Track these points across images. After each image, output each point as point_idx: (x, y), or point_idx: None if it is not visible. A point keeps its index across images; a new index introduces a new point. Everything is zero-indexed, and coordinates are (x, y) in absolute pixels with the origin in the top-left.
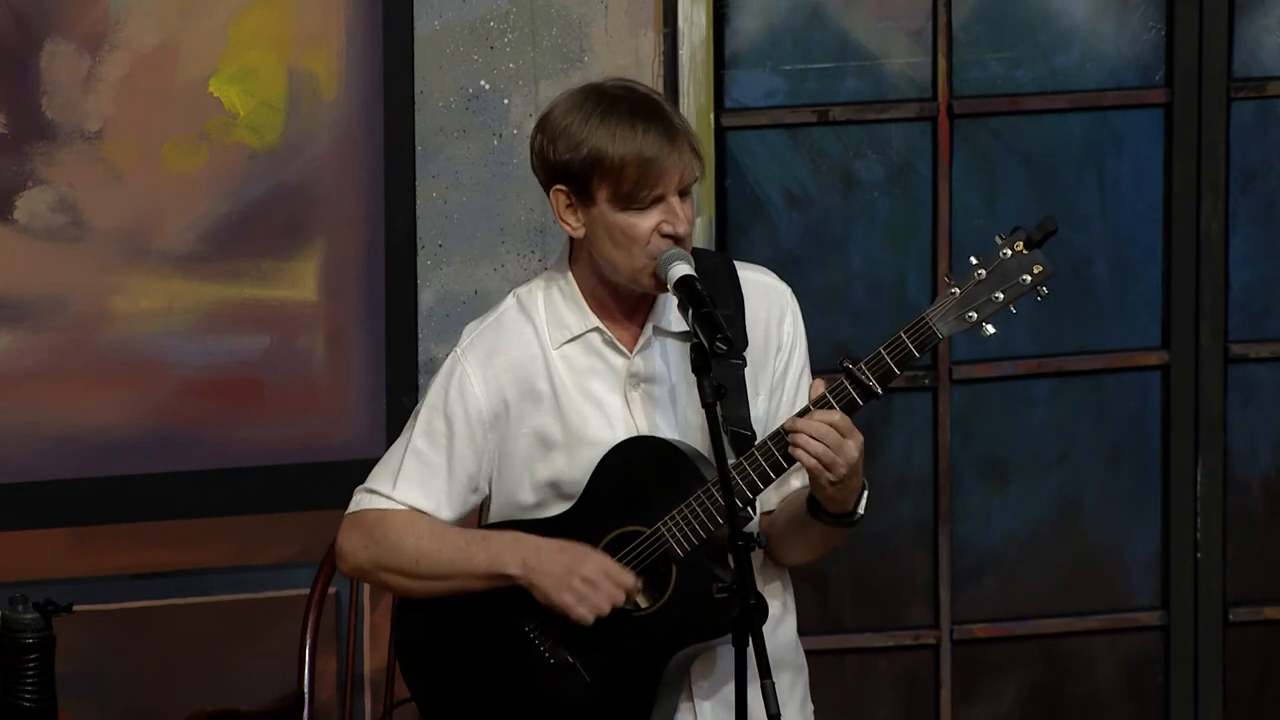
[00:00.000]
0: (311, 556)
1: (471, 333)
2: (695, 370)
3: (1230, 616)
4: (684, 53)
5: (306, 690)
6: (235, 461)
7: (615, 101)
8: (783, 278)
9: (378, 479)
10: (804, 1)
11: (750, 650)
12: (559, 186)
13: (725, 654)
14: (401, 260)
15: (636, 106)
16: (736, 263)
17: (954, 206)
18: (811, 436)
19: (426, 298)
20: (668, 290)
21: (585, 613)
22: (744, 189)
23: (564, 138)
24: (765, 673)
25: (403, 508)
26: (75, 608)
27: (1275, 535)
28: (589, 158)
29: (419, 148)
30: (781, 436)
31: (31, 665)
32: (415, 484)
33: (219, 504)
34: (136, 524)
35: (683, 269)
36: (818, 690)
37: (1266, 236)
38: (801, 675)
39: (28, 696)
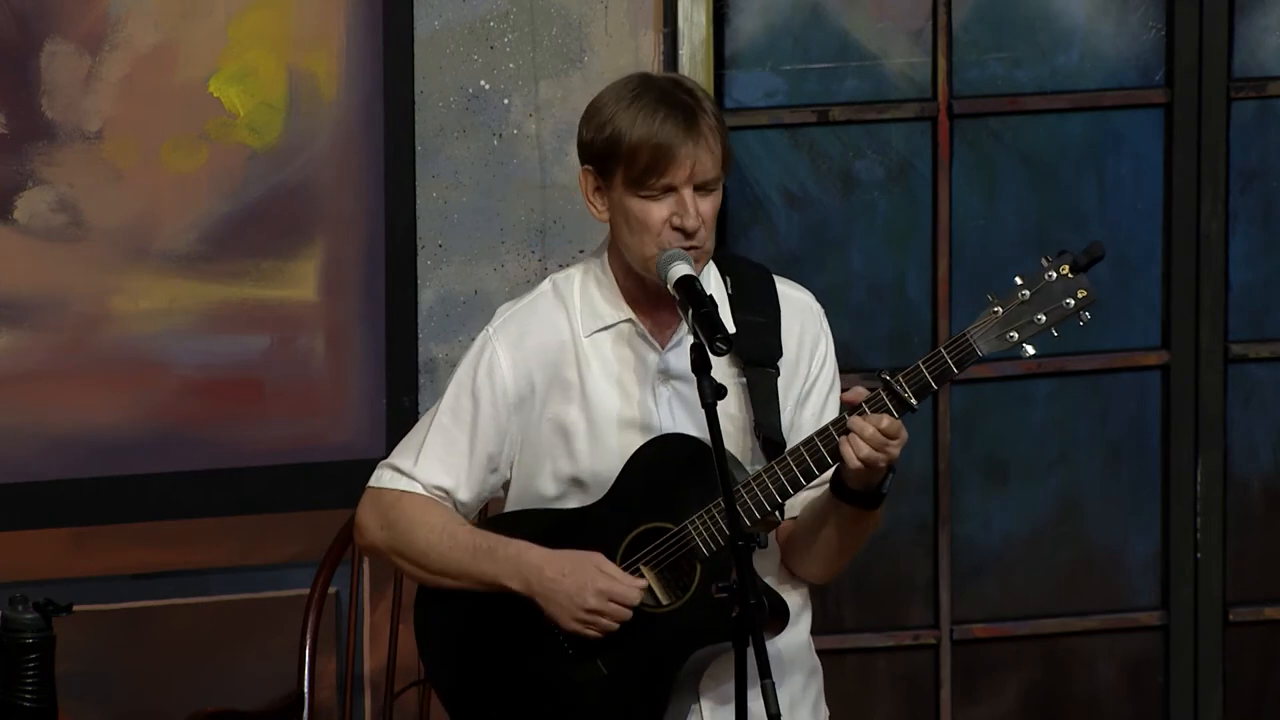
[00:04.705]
0: (311, 556)
1: (504, 313)
2: (695, 370)
3: (1230, 616)
4: (684, 53)
5: (306, 690)
6: (235, 461)
7: (649, 89)
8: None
9: (401, 454)
10: (804, 1)
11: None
12: (586, 167)
13: (732, 655)
14: (401, 260)
15: (666, 95)
16: (775, 277)
17: (954, 206)
18: (861, 438)
19: (426, 298)
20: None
21: (595, 634)
22: (744, 189)
23: (596, 118)
24: (765, 673)
25: (420, 490)
26: (75, 608)
27: (1275, 535)
28: (609, 138)
29: (419, 148)
30: (830, 433)
31: (31, 665)
32: (437, 460)
33: (219, 504)
34: (136, 524)
35: (682, 269)
36: None
37: (1266, 236)
38: (816, 677)
39: (28, 696)
